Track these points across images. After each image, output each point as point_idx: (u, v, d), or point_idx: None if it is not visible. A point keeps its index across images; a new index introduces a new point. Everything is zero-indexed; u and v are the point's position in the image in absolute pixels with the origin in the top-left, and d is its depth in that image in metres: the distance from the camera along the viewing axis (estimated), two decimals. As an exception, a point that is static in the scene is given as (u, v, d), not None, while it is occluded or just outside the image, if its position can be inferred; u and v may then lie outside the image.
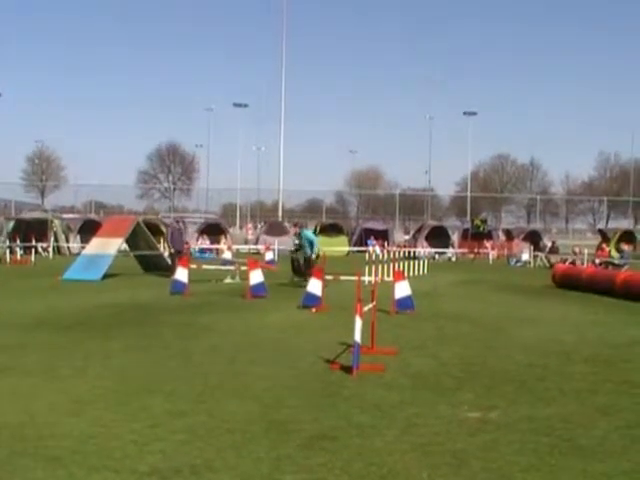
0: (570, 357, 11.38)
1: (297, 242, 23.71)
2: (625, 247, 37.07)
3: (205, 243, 46.91)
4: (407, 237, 57.98)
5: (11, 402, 7.87)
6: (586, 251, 36.70)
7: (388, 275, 22.86)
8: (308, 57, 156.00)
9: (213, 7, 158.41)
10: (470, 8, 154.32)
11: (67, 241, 44.75)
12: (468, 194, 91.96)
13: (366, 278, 20.93)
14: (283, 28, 70.48)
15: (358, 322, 9.83)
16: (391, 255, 25.62)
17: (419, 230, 53.33)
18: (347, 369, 9.72)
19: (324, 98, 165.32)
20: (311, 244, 22.84)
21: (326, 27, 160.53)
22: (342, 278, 19.81)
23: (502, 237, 53.65)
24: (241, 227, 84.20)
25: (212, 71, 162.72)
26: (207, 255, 24.48)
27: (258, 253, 33.57)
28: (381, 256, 26.14)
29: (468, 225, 52.95)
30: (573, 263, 34.42)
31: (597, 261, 34.97)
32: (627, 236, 46.02)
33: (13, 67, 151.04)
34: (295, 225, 23.93)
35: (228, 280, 24.80)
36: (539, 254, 42.76)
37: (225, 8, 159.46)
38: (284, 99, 71.01)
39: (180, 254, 25.28)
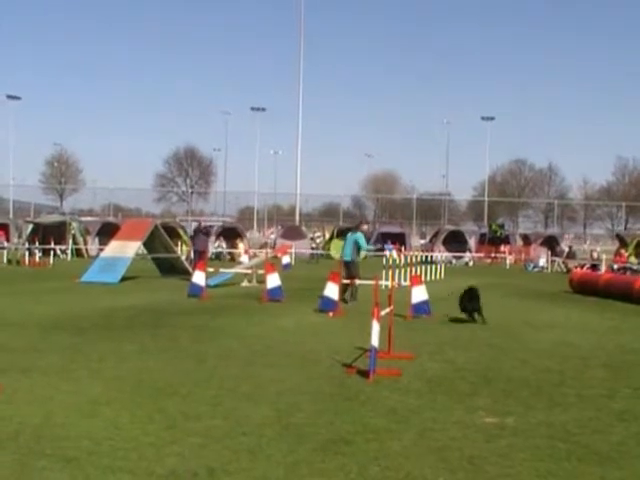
0: (587, 363, 11.33)
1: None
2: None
3: (222, 247, 47.00)
4: (423, 241, 57.93)
5: (29, 403, 7.91)
6: (604, 256, 36.51)
7: (405, 279, 22.81)
8: (325, 61, 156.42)
9: (231, 12, 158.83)
10: (487, 14, 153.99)
11: (85, 243, 44.97)
12: (485, 199, 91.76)
13: (383, 282, 20.89)
14: (300, 33, 70.74)
15: (375, 326, 9.82)
16: (408, 259, 25.60)
17: (436, 234, 53.27)
18: (363, 373, 9.71)
19: (341, 102, 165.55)
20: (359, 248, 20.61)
21: (343, 31, 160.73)
22: (359, 282, 19.78)
23: (519, 242, 53.49)
24: (258, 231, 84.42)
25: (229, 75, 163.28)
26: (222, 278, 24.43)
27: (275, 257, 33.54)
28: (398, 260, 26.08)
29: (485, 230, 52.84)
30: (595, 267, 34.19)
31: (615, 266, 34.78)
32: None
33: (32, 70, 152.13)
34: (362, 223, 21.45)
35: (245, 283, 24.84)
36: (556, 259, 42.60)
37: (243, 12, 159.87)
38: (301, 103, 71.24)
39: (202, 255, 25.51)
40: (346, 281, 19.14)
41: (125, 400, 8.15)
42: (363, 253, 20.70)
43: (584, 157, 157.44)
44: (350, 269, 19.80)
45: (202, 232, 28.58)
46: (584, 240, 77.37)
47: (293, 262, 40.12)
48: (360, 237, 20.36)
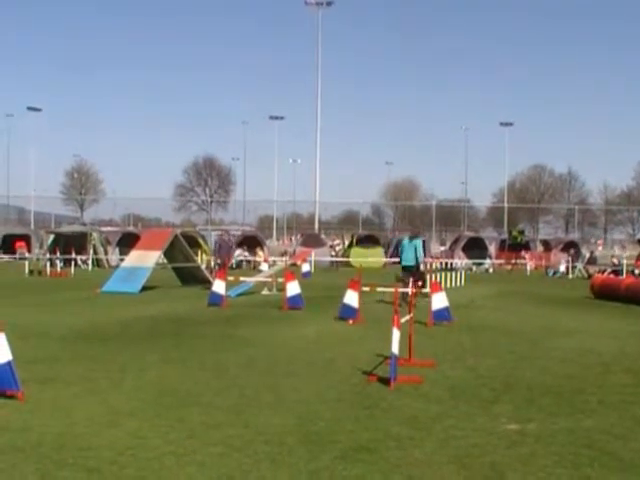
0: (609, 368, 11.26)
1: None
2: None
3: (243, 255, 47.05)
4: (443, 248, 57.78)
5: (51, 413, 7.95)
6: (625, 261, 36.30)
7: (425, 286, 22.78)
8: (344, 68, 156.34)
9: (248, 20, 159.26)
10: (504, 19, 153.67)
11: (106, 254, 45.13)
12: (505, 205, 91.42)
13: (402, 290, 20.86)
14: (318, 41, 70.81)
15: (395, 334, 9.80)
16: (428, 266, 25.55)
17: (456, 241, 53.15)
18: (384, 381, 9.69)
19: (360, 110, 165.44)
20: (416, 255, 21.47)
21: (360, 38, 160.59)
22: (379, 290, 19.76)
23: (540, 248, 53.30)
24: (278, 239, 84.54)
25: (248, 84, 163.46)
26: (243, 288, 24.39)
27: (294, 265, 33.57)
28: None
29: (505, 236, 52.70)
30: (616, 272, 33.96)
31: (636, 271, 34.56)
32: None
33: (51, 83, 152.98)
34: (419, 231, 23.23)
35: (265, 292, 24.86)
36: (577, 265, 42.40)
37: (261, 21, 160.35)
38: (320, 111, 71.31)
39: (224, 266, 25.62)
40: (404, 289, 19.22)
41: (146, 410, 8.18)
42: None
43: (604, 162, 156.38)
44: (414, 274, 20.54)
45: (228, 243, 28.78)
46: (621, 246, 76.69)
47: (313, 270, 40.11)
48: (419, 244, 21.39)
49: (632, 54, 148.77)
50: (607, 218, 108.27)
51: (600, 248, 56.23)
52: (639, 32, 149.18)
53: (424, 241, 22.96)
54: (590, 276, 35.17)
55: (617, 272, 34.21)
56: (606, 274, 32.45)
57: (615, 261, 38.53)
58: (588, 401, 8.97)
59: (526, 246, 51.07)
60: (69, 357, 11.58)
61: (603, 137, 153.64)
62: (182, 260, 28.62)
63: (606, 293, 24.34)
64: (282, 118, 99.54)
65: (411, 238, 21.66)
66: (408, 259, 21.11)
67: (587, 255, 44.84)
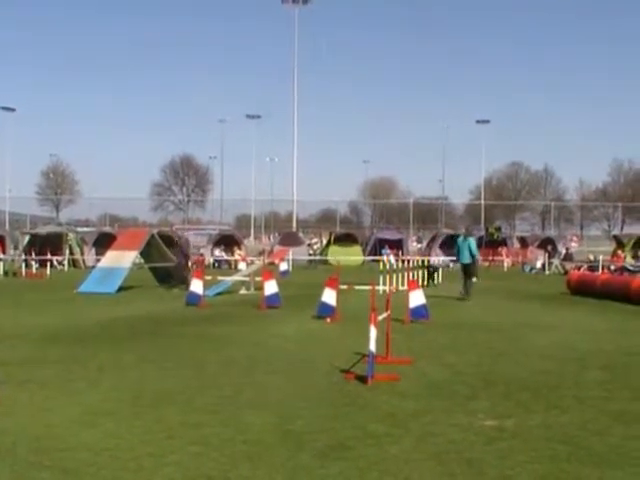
0: (586, 364, 11.33)
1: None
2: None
3: (220, 254, 46.97)
4: (419, 246, 57.91)
5: (27, 414, 7.89)
6: (601, 257, 36.56)
7: (402, 284, 22.86)
8: (321, 67, 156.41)
9: (225, 19, 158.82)
10: (484, 18, 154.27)
11: (82, 254, 44.88)
12: (482, 202, 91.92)
13: (380, 287, 20.92)
14: (295, 39, 70.84)
15: (373, 331, 9.82)
16: (405, 264, 25.61)
17: (433, 239, 53.29)
18: (362, 379, 9.70)
19: (337, 108, 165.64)
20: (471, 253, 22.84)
21: (339, 37, 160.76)
22: (357, 288, 19.79)
23: (517, 244, 53.53)
24: (256, 238, 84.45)
25: (225, 83, 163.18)
26: (220, 287, 24.28)
27: (272, 263, 33.56)
28: (395, 265, 26.08)
29: (482, 233, 52.90)
30: (592, 268, 34.15)
31: (612, 267, 34.79)
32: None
33: (26, 83, 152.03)
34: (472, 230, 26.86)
35: (243, 291, 24.83)
36: (553, 261, 42.63)
37: (238, 20, 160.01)
38: (297, 110, 71.37)
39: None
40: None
41: (124, 410, 8.14)
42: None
43: (580, 159, 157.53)
44: (470, 270, 22.51)
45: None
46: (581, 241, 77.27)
47: (291, 269, 40.11)
48: (472, 242, 23.08)
49: (608, 52, 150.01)
50: (583, 214, 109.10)
51: (574, 244, 56.53)
52: (614, 30, 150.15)
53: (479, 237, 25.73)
54: (566, 272, 35.38)
55: (593, 268, 34.42)
56: (582, 270, 32.65)
57: (591, 257, 38.74)
58: (565, 397, 9.02)
59: (503, 243, 51.29)
60: (45, 358, 11.51)
61: (579, 134, 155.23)
62: (159, 260, 28.50)
63: (582, 289, 24.50)
64: (259, 117, 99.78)
65: (465, 237, 23.28)
66: (464, 257, 22.67)
67: (563, 251, 45.13)
